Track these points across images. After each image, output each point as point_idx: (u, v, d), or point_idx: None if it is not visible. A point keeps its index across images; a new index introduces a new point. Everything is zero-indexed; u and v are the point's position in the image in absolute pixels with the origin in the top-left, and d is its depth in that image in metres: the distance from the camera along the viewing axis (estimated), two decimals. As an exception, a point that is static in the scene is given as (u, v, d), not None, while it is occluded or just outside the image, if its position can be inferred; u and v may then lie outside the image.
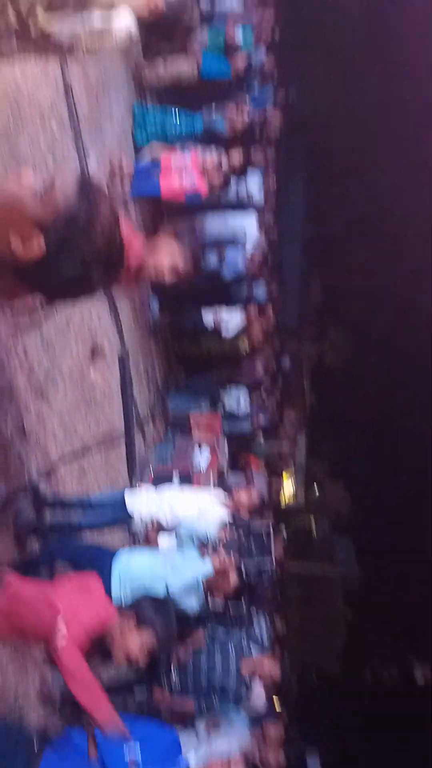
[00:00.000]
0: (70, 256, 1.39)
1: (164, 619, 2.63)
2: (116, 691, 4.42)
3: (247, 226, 7.81)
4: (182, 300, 7.53)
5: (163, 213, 7.28)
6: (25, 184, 1.40)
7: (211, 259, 7.30)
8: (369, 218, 15.72)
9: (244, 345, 7.94)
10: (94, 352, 5.17)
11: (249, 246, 7.71)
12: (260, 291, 8.31)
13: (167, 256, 2.79)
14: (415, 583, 15.45)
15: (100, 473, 5.30)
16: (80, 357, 4.85)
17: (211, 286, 7.56)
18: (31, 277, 1.42)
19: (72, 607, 2.56)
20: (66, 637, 2.45)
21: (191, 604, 3.71)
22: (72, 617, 2.50)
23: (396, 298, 15.60)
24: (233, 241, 7.49)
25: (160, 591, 3.20)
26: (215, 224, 7.50)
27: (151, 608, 2.65)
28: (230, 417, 8.10)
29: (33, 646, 2.79)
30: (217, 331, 7.43)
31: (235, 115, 7.30)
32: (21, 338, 3.79)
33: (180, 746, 2.77)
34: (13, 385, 3.66)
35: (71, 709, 4.02)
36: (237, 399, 8.35)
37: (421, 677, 16.00)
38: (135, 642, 2.53)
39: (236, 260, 7.45)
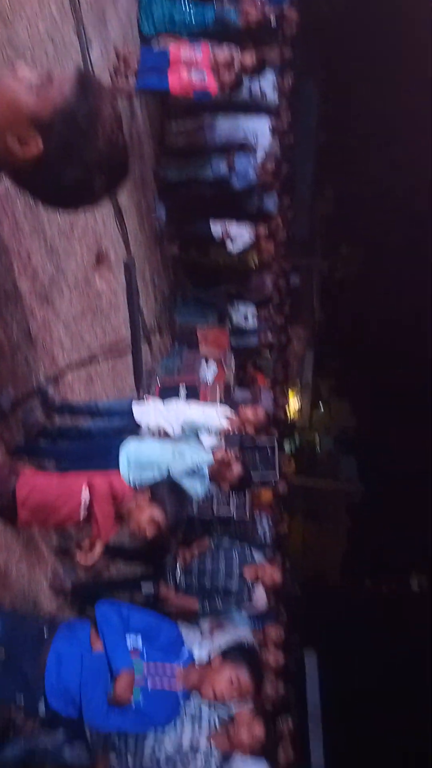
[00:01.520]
0: (70, 160, 1.30)
1: (177, 501, 2.76)
2: (124, 586, 4.62)
3: (260, 131, 7.37)
4: (190, 209, 7.26)
5: (169, 112, 6.89)
6: (20, 77, 1.28)
7: (220, 166, 6.96)
8: (385, 127, 14.92)
9: (253, 259, 7.73)
10: (99, 259, 5.03)
11: (261, 153, 7.33)
12: (271, 202, 7.99)
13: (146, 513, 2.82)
14: (414, 499, 15.89)
15: (107, 382, 5.30)
16: (85, 263, 4.73)
17: (219, 196, 7.26)
18: (31, 182, 1.33)
19: (89, 483, 2.75)
20: (96, 493, 2.72)
21: (196, 488, 3.81)
22: (92, 483, 2.72)
23: (410, 213, 15.08)
24: (244, 146, 7.10)
25: (166, 473, 3.36)
26: (225, 127, 7.09)
27: (166, 489, 2.76)
28: (238, 332, 8.03)
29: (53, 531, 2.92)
30: (224, 244, 7.21)
31: (250, 7, 6.74)
32: (24, 241, 3.68)
33: (183, 640, 2.89)
34: (18, 289, 3.58)
35: (81, 601, 4.24)
36: (245, 314, 8.24)
37: (416, 585, 16.74)
38: (146, 514, 2.63)
39: (247, 169, 7.09)
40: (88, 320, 4.94)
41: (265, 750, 3.04)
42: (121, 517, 2.79)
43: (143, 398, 4.66)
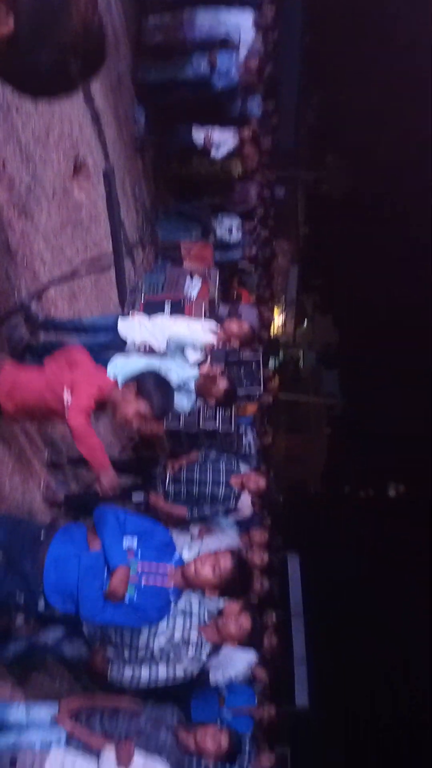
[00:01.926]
0: (43, 41, 1.23)
1: (163, 394, 2.74)
2: (115, 495, 4.77)
3: (243, 26, 6.89)
4: (170, 114, 6.90)
5: (146, 5, 6.40)
6: None
7: (201, 64, 6.55)
8: (377, 29, 14.00)
9: (237, 168, 7.45)
10: (77, 168, 4.83)
11: (243, 51, 6.88)
12: (255, 106, 7.60)
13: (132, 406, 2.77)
14: (392, 411, 16.31)
15: (90, 298, 5.23)
16: (63, 172, 4.54)
17: (200, 98, 6.87)
18: (4, 66, 1.25)
19: (72, 377, 2.75)
20: (72, 403, 2.69)
21: (182, 403, 3.87)
22: (74, 386, 2.71)
23: (401, 124, 14.47)
24: (226, 42, 6.66)
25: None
26: (206, 22, 6.61)
27: (152, 382, 2.75)
28: (222, 246, 7.86)
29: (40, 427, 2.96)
30: (207, 151, 6.91)
31: None
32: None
33: (174, 544, 3.01)
34: (-6, 200, 3.45)
35: (74, 510, 4.39)
36: (229, 227, 8.04)
37: (393, 491, 17.52)
38: (132, 407, 2.66)
39: (229, 67, 6.67)
40: (68, 233, 4.80)
41: (251, 640, 3.27)
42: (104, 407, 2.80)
43: (128, 314, 4.63)
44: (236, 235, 8.01)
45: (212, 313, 6.14)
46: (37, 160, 4.06)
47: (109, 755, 2.71)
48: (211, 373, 4.03)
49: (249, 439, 7.22)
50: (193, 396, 4.18)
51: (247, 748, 4.28)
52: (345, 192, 16.42)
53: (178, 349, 4.11)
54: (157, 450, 6.12)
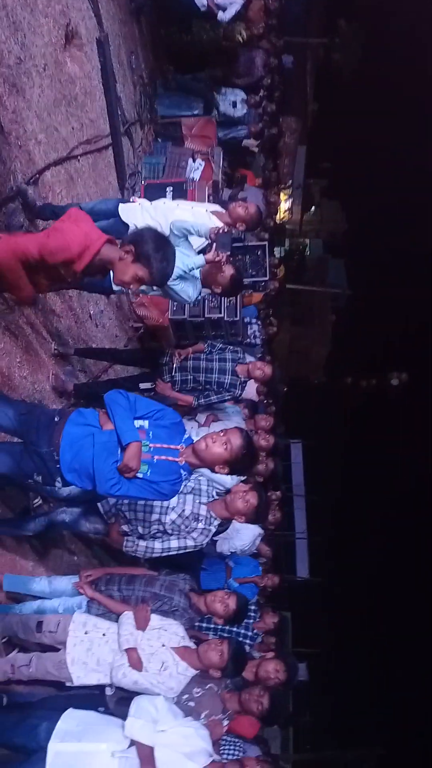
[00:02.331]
0: None
1: (162, 258, 2.63)
2: (123, 385, 4.85)
3: None
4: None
5: None
6: None
7: None
8: None
9: (241, 33, 6.85)
10: (69, 36, 4.45)
11: None
12: (262, -41, 6.87)
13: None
14: (397, 301, 16.16)
15: (89, 182, 5.02)
16: (54, 41, 4.19)
17: None
18: None
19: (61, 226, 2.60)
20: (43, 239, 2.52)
21: (188, 292, 3.83)
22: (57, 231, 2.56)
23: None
24: None
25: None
26: None
27: (151, 245, 2.62)
28: (225, 123, 7.40)
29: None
30: (211, 14, 6.32)
31: None
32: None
33: (183, 425, 3.08)
34: (-18, 73, 3.22)
35: (85, 399, 4.48)
36: (233, 102, 7.53)
37: (396, 380, 17.73)
38: (130, 273, 2.60)
39: None
40: (62, 111, 4.52)
41: (257, 516, 3.45)
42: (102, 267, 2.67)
43: (129, 198, 4.46)
44: (241, 110, 7.51)
45: (216, 197, 5.91)
46: (25, 28, 3.74)
47: (128, 619, 2.97)
48: (217, 260, 3.93)
49: (254, 329, 7.21)
50: (199, 284, 4.12)
51: (252, 611, 4.66)
52: (357, 63, 15.14)
53: (182, 235, 3.99)
54: (163, 341, 6.15)
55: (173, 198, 5.05)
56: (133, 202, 4.29)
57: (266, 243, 6.38)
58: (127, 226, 4.09)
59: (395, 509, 15.40)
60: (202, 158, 6.59)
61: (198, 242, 4.06)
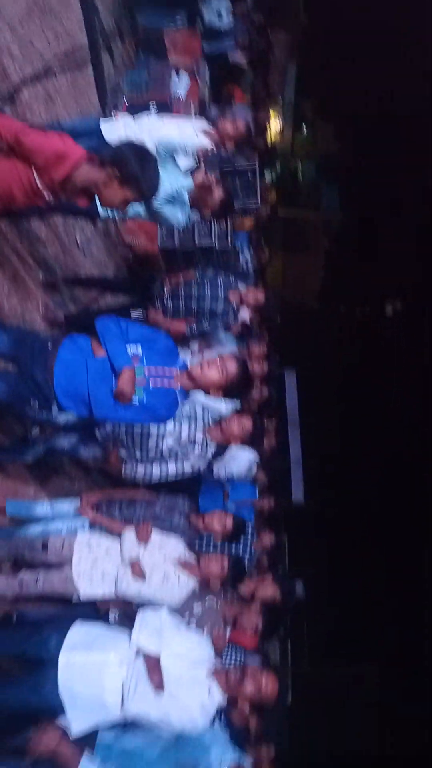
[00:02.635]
0: None
1: (146, 170, 2.52)
2: (114, 312, 4.78)
3: None
4: None
5: None
6: None
7: None
8: None
9: None
10: None
11: None
12: None
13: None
14: (393, 230, 15.83)
15: (68, 100, 4.79)
16: None
17: None
18: None
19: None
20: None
21: (177, 216, 3.73)
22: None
23: None
24: None
25: None
26: None
27: (135, 161, 2.50)
28: (211, 35, 6.97)
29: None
30: None
31: None
32: None
33: (177, 350, 3.07)
34: None
35: (76, 328, 4.43)
36: (218, 11, 7.07)
37: (390, 310, 17.63)
38: (119, 196, 2.50)
39: None
40: (36, 22, 4.25)
41: (252, 440, 3.49)
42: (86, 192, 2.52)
43: (111, 115, 4.25)
44: (227, 20, 7.06)
45: (203, 114, 5.65)
46: None
47: (130, 534, 3.05)
48: (206, 182, 3.80)
49: (246, 256, 7.06)
50: (188, 208, 3.99)
51: (249, 531, 4.80)
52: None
53: (168, 155, 3.83)
54: (153, 268, 6.03)
55: (157, 113, 4.80)
56: (115, 119, 4.10)
57: (256, 165, 6.14)
58: (110, 145, 3.92)
59: (389, 436, 15.67)
60: (187, 73, 6.26)
61: (185, 163, 3.90)
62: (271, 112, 13.80)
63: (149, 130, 4.00)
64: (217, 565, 3.00)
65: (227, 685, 2.53)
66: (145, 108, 5.30)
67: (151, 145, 3.92)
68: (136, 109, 5.18)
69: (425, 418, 14.68)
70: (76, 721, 2.51)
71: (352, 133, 17.31)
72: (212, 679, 2.56)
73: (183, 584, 2.96)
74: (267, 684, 2.55)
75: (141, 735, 2.77)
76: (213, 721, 2.57)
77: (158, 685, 2.45)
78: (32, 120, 4.31)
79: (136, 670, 2.50)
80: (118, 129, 3.97)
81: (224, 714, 2.66)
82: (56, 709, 2.53)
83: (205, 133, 3.91)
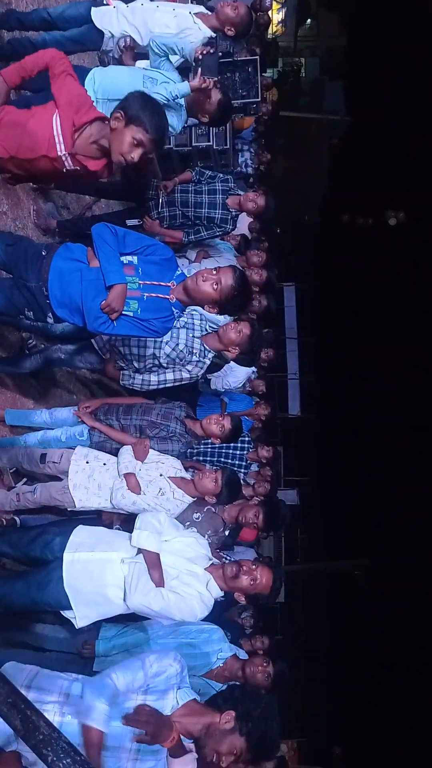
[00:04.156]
0: None
1: (153, 112, 2.48)
2: (109, 220, 4.64)
3: None
4: None
5: None
6: None
7: None
8: None
9: None
10: None
11: None
12: None
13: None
14: (398, 133, 15.09)
15: (55, -18, 4.40)
16: None
17: None
18: None
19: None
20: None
21: (172, 122, 3.55)
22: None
23: None
24: None
25: None
26: None
27: (138, 103, 2.48)
28: None
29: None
30: None
31: None
32: None
33: (176, 260, 2.98)
34: None
35: (70, 236, 4.31)
36: None
37: (393, 219, 17.12)
38: (127, 138, 2.45)
39: None
40: None
41: (250, 348, 3.45)
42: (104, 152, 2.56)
43: (103, 1, 3.92)
44: None
45: (200, 1, 5.22)
46: None
47: (127, 449, 3.10)
48: (204, 86, 3.57)
49: (246, 157, 6.79)
50: (184, 113, 3.78)
51: (246, 442, 4.90)
52: None
53: (163, 53, 3.56)
54: (148, 173, 5.78)
55: (152, 1, 4.45)
56: (107, 5, 3.80)
57: (257, 58, 5.76)
58: (101, 33, 3.67)
59: (388, 352, 15.69)
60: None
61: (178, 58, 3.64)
62: (273, 2, 12.77)
63: (143, 17, 3.72)
64: (211, 482, 3.06)
65: (224, 578, 2.67)
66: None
67: (144, 31, 3.66)
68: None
69: (424, 333, 14.67)
70: (81, 615, 2.66)
71: (360, 26, 16.12)
72: (209, 573, 2.69)
73: (178, 498, 3.04)
74: (261, 577, 2.68)
75: (141, 629, 2.96)
76: (211, 614, 2.73)
77: (158, 581, 2.57)
78: (17, 5, 3.99)
79: (137, 566, 2.61)
80: (110, 15, 3.70)
81: (221, 607, 2.82)
82: (62, 604, 2.67)
83: (203, 18, 3.63)
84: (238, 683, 2.92)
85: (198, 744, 2.04)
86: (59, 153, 2.53)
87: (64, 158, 2.56)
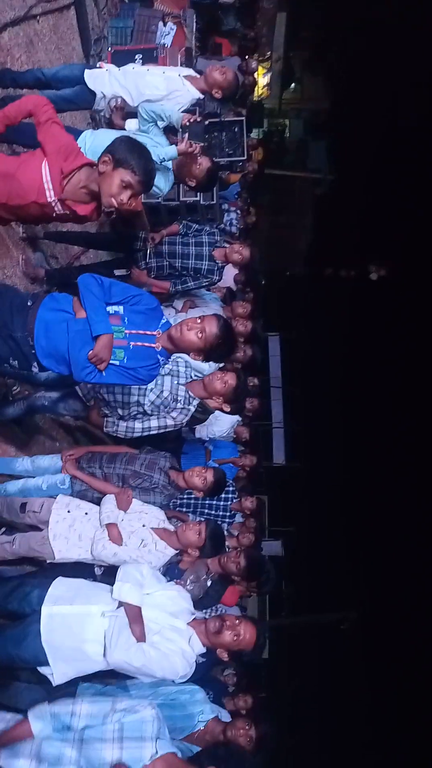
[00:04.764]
0: None
1: (140, 155, 2.55)
2: (97, 272, 4.71)
3: None
4: None
5: None
6: None
7: None
8: None
9: None
10: None
11: None
12: None
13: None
14: (382, 189, 15.63)
15: (50, 47, 4.60)
16: None
17: None
18: None
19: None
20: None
21: (160, 184, 3.65)
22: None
23: None
24: None
25: None
26: None
27: (126, 145, 2.55)
28: (199, -19, 6.70)
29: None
30: None
31: None
32: None
33: (161, 309, 3.01)
34: None
35: (57, 285, 4.36)
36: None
37: (375, 275, 17.56)
38: (116, 180, 2.51)
39: None
40: (16, -40, 4.04)
41: (235, 398, 3.47)
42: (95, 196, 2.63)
43: (95, 65, 4.10)
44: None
45: (189, 64, 5.48)
46: None
47: (110, 499, 3.06)
48: (190, 151, 3.71)
49: (231, 216, 6.97)
50: (171, 176, 3.91)
51: (230, 491, 4.85)
52: None
53: (151, 120, 3.72)
54: (137, 225, 5.91)
55: (143, 63, 4.65)
56: (99, 67, 3.96)
57: (244, 119, 6.00)
58: (93, 94, 3.81)
59: (372, 401, 15.84)
60: (173, 22, 6.03)
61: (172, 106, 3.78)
62: (260, 66, 13.42)
63: (134, 79, 3.88)
64: (194, 534, 3.01)
65: (206, 634, 2.60)
66: (130, 57, 5.13)
67: (136, 93, 3.82)
68: (121, 58, 5.01)
69: (409, 384, 14.84)
70: (59, 672, 2.56)
71: (342, 90, 16.92)
72: (192, 628, 2.62)
73: (160, 550, 2.99)
74: (245, 633, 2.61)
75: (122, 688, 2.85)
76: (192, 674, 2.64)
77: (139, 636, 2.50)
78: (12, 65, 4.14)
79: (117, 621, 2.54)
80: (102, 78, 3.85)
81: (204, 667, 2.73)
82: (39, 660, 2.58)
83: (192, 80, 3.80)
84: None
85: None
86: (49, 199, 2.58)
87: (53, 204, 2.60)
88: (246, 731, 2.91)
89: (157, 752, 2.00)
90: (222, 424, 5.10)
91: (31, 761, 1.94)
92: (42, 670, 2.59)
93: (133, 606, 2.56)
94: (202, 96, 3.87)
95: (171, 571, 3.10)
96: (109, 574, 2.91)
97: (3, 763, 1.74)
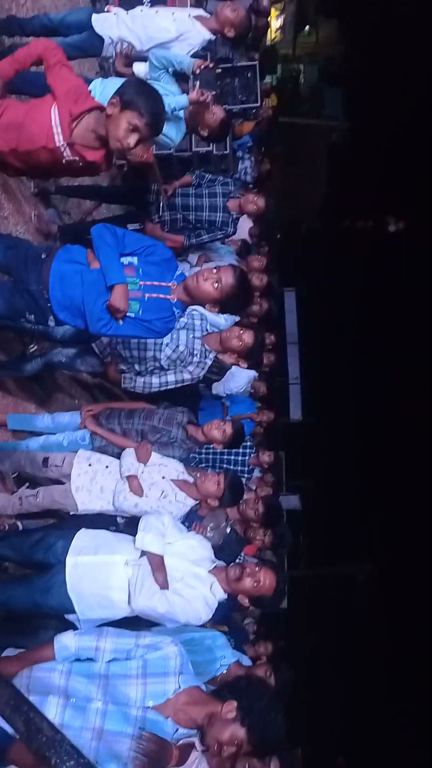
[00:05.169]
0: None
1: (148, 96, 2.48)
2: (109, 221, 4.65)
3: None
4: None
5: None
6: None
7: None
8: None
9: None
10: None
11: None
12: None
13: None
14: (399, 141, 15.15)
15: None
16: None
17: None
18: None
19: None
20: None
21: (171, 135, 3.56)
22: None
23: None
24: None
25: None
26: None
27: (135, 87, 2.48)
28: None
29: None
30: None
31: None
32: None
33: (175, 260, 2.97)
34: None
35: (70, 240, 4.31)
36: None
37: (393, 227, 17.16)
38: (123, 123, 2.44)
39: None
40: None
41: (251, 355, 3.47)
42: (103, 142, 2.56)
43: (103, 9, 3.96)
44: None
45: (199, 5, 5.25)
46: None
47: (130, 452, 3.09)
48: (203, 99, 3.58)
49: (246, 165, 6.81)
50: (183, 126, 3.80)
51: (248, 446, 4.88)
52: None
53: (162, 67, 3.59)
54: (149, 177, 5.80)
55: (152, 6, 4.47)
56: (107, 11, 3.82)
57: (257, 63, 5.78)
58: (101, 39, 3.69)
59: (387, 354, 15.71)
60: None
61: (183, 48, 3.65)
62: (272, 8, 12.84)
63: (142, 22, 3.74)
64: (213, 485, 3.05)
65: (227, 581, 2.65)
66: (138, 1, 4.93)
67: (145, 37, 3.69)
68: (128, 1, 4.82)
69: (423, 337, 14.68)
70: (85, 618, 2.64)
71: (358, 33, 16.22)
72: (213, 576, 2.67)
73: (180, 501, 3.03)
74: (265, 579, 2.66)
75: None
76: (215, 616, 2.71)
77: (163, 583, 2.56)
78: (18, 12, 4.01)
79: (141, 569, 2.60)
80: (110, 22, 3.73)
81: (224, 609, 2.80)
82: (65, 607, 2.65)
83: (202, 21, 3.65)
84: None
85: (201, 733, 2.03)
86: (58, 144, 2.53)
87: (62, 148, 2.55)
88: (267, 676, 3.01)
89: (180, 687, 2.07)
90: (239, 379, 5.11)
91: (59, 697, 2.02)
92: (68, 617, 2.67)
93: (155, 555, 2.61)
94: (213, 37, 3.73)
95: (191, 517, 3.15)
96: (130, 525, 2.97)
97: (33, 698, 1.81)
